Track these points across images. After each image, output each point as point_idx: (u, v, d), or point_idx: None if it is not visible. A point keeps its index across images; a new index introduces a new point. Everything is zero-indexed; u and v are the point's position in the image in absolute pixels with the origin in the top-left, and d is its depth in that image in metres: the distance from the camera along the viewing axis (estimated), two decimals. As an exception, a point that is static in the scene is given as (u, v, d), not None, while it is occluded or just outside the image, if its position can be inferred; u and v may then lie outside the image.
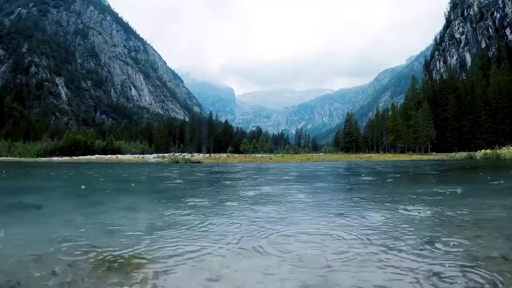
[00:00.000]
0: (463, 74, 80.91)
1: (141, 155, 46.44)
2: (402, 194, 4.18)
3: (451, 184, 5.78)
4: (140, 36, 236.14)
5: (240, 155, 44.94)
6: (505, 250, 1.58)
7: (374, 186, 5.75)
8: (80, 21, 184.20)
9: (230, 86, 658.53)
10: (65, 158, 41.29)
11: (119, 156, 44.19)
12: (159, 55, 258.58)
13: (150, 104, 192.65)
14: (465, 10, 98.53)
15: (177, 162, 21.93)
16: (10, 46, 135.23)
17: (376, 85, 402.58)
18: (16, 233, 2.14)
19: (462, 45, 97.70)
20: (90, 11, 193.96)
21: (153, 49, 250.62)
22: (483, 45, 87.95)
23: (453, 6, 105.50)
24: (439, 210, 2.80)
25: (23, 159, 45.96)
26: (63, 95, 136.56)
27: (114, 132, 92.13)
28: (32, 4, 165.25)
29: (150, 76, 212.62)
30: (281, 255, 1.59)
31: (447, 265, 1.40)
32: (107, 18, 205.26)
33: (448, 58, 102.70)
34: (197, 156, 30.05)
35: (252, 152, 63.09)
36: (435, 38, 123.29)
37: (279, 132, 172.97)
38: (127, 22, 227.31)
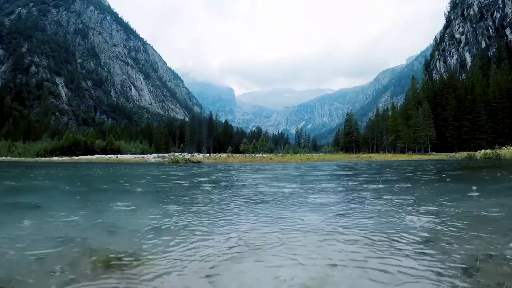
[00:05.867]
0: (463, 74, 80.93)
1: (141, 155, 46.47)
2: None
3: None
4: (140, 36, 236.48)
5: (240, 155, 44.96)
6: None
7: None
8: (80, 21, 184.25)
9: (230, 86, 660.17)
10: (65, 158, 41.31)
11: (119, 156, 44.22)
12: (159, 55, 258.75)
13: (150, 104, 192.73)
14: (465, 10, 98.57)
15: (177, 162, 21.91)
16: (10, 46, 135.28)
17: (376, 85, 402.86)
18: (16, 233, 2.13)
19: (462, 45, 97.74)
20: (90, 11, 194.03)
21: (153, 49, 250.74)
22: (483, 45, 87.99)
23: (453, 6, 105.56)
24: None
25: (23, 159, 45.96)
26: (63, 95, 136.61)
27: (114, 132, 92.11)
28: (32, 4, 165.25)
29: (150, 76, 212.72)
30: (283, 254, 1.59)
31: (447, 265, 1.39)
32: (107, 18, 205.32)
33: (448, 58, 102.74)
34: (197, 156, 30.05)
35: (252, 152, 63.10)
36: (435, 38, 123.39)
37: (279, 132, 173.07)
38: (127, 22, 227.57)
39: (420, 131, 53.66)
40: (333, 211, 2.88)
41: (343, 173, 9.96)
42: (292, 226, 2.24)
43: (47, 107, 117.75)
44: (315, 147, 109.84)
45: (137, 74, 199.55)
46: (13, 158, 49.38)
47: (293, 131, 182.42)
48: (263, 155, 45.93)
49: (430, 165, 13.68)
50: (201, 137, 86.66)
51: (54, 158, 43.88)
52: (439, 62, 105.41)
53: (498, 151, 22.12)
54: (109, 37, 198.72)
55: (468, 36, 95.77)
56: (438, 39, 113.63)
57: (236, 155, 40.51)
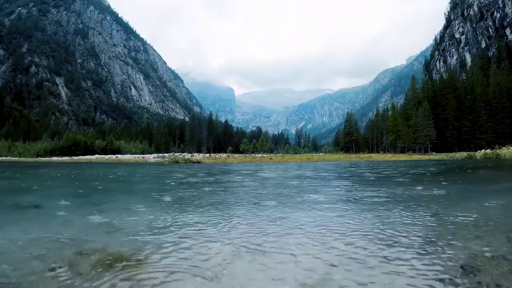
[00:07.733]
0: (463, 74, 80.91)
1: (141, 155, 46.45)
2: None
3: None
4: (140, 36, 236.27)
5: (240, 155, 44.96)
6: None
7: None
8: (80, 21, 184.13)
9: (230, 86, 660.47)
10: (65, 158, 41.28)
11: (119, 156, 44.18)
12: (159, 55, 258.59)
13: (150, 104, 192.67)
14: (465, 10, 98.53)
15: (177, 162, 21.88)
16: (10, 46, 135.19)
17: (376, 85, 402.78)
18: (16, 233, 2.13)
19: (462, 45, 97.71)
20: (90, 11, 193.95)
21: (153, 49, 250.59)
22: (483, 45, 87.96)
23: (453, 6, 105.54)
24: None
25: (23, 159, 45.92)
26: (63, 95, 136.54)
27: (114, 132, 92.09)
28: (32, 4, 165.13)
29: (150, 76, 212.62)
30: (283, 254, 1.60)
31: (447, 265, 1.40)
32: (107, 18, 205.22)
33: (448, 58, 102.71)
34: (197, 156, 30.04)
35: (252, 152, 63.11)
36: (435, 38, 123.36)
37: (279, 132, 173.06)
38: (127, 22, 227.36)
39: (420, 131, 53.65)
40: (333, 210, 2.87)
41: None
42: (278, 227, 2.24)
43: (47, 107, 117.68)
44: (315, 147, 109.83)
45: (137, 74, 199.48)
46: (13, 158, 49.33)
47: (293, 131, 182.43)
48: (263, 155, 45.91)
49: (431, 165, 13.67)
50: (201, 137, 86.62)
51: (54, 158, 43.86)
52: (439, 62, 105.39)
53: (498, 151, 22.07)
54: (109, 37, 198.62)
55: (468, 36, 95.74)
56: (438, 39, 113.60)
57: (236, 155, 40.52)
